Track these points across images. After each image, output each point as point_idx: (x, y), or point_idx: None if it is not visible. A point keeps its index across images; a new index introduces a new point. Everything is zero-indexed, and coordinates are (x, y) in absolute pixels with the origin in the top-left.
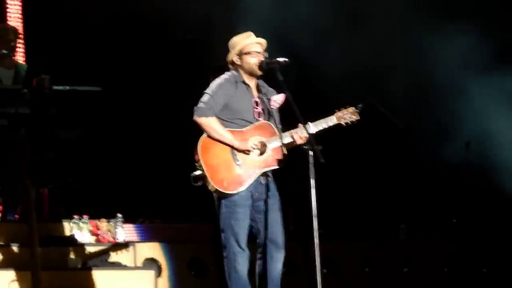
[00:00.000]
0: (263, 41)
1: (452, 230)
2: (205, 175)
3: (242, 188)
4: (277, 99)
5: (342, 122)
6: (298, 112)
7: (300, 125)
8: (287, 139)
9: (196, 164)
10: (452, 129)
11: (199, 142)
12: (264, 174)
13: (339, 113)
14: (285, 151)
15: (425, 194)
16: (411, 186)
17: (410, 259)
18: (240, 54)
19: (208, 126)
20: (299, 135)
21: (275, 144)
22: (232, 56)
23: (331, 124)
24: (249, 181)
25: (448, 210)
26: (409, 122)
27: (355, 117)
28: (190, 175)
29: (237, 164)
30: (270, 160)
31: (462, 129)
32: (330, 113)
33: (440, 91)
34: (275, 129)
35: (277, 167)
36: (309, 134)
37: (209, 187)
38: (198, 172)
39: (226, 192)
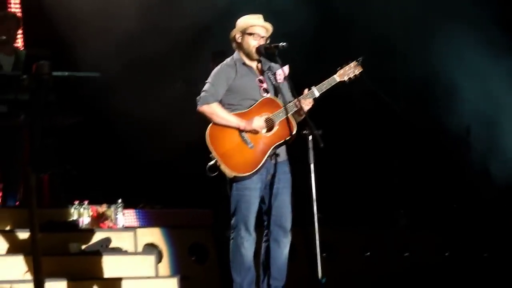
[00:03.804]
0: (269, 26)
1: (453, 216)
2: (220, 163)
3: (259, 166)
4: (281, 72)
5: (345, 79)
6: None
7: (305, 91)
8: (292, 108)
9: (211, 156)
10: (452, 114)
11: (206, 132)
12: (275, 154)
13: (340, 71)
14: (294, 122)
15: (426, 179)
16: (412, 172)
17: (410, 245)
18: (243, 33)
19: (211, 112)
20: (303, 100)
21: (281, 117)
22: (235, 33)
23: (333, 83)
24: (264, 159)
25: (448, 195)
26: (408, 107)
27: (358, 70)
28: (206, 167)
29: (248, 145)
30: (280, 133)
31: (463, 114)
32: (332, 73)
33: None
34: (279, 102)
35: (289, 138)
36: (314, 99)
37: (226, 174)
38: (212, 162)
39: (243, 175)
